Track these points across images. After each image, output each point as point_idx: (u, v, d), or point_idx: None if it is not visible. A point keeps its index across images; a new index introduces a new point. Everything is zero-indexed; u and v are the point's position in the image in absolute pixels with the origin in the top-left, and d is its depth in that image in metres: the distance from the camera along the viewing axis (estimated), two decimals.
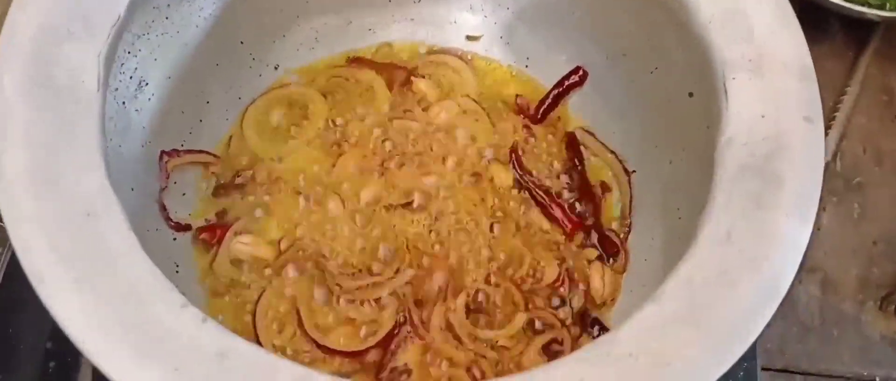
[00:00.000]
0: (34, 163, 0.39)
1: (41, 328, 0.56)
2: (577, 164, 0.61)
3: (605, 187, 0.61)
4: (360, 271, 0.56)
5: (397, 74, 0.64)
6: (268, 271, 0.55)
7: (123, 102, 0.53)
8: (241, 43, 0.61)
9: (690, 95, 0.55)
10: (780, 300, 0.39)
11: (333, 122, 0.61)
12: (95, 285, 0.37)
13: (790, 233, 0.40)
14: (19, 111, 0.40)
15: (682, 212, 0.55)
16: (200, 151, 0.59)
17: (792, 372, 0.63)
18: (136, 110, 0.54)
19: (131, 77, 0.54)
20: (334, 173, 0.59)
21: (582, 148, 0.61)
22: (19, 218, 0.37)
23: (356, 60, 0.64)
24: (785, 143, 0.43)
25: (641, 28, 0.56)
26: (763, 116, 0.44)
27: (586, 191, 0.60)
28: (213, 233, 0.56)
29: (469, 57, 0.65)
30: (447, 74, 0.64)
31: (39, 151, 0.39)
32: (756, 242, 0.40)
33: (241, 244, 0.56)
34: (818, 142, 0.43)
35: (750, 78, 0.45)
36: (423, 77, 0.64)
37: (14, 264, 0.57)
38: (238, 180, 0.58)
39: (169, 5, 0.55)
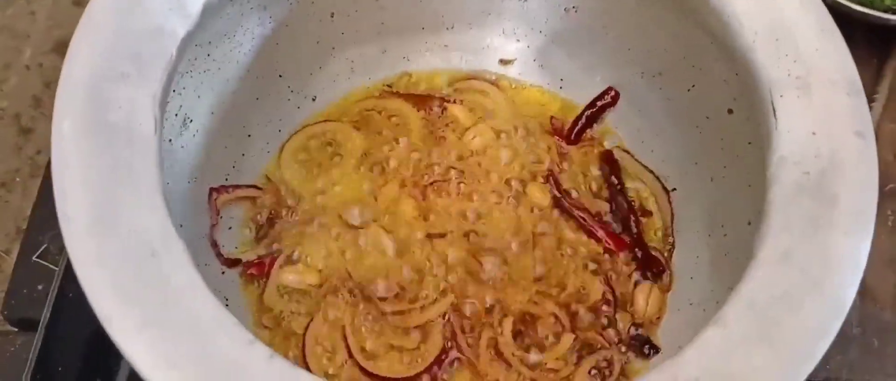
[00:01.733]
0: (96, 206, 0.39)
1: (84, 364, 0.57)
2: (617, 182, 0.61)
3: (645, 211, 0.61)
4: (405, 297, 0.56)
5: (430, 102, 0.64)
6: (313, 300, 0.56)
7: (170, 140, 0.54)
8: (280, 76, 0.62)
9: (730, 111, 0.55)
10: (843, 319, 0.39)
11: (369, 153, 0.62)
12: (162, 324, 0.37)
13: (849, 252, 0.40)
14: (78, 155, 0.41)
15: (728, 229, 0.55)
16: (249, 186, 0.59)
17: None
18: (182, 147, 0.55)
19: (176, 115, 0.54)
20: (376, 203, 0.59)
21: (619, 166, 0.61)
22: (86, 261, 0.38)
23: (388, 92, 0.65)
24: (838, 160, 0.43)
25: (679, 47, 0.57)
26: (814, 134, 0.44)
27: (627, 210, 0.60)
28: (261, 267, 0.56)
29: (499, 80, 0.66)
30: (477, 99, 0.65)
31: (100, 193, 0.40)
32: (816, 262, 0.40)
33: (289, 274, 0.56)
34: (871, 157, 0.43)
35: (798, 96, 0.45)
36: (457, 103, 0.64)
37: (59, 297, 0.57)
38: (280, 218, 0.59)
39: (210, 42, 0.55)
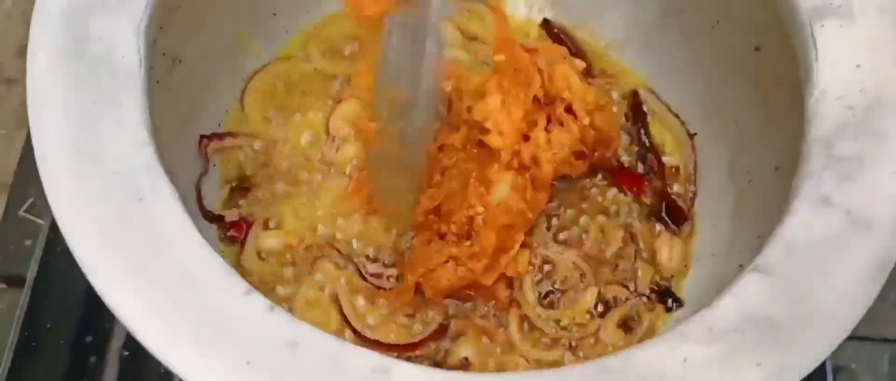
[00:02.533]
0: (76, 144, 0.36)
1: (77, 322, 0.54)
2: (640, 124, 0.57)
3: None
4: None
5: None
6: (295, 269, 0.51)
7: (158, 81, 0.49)
8: (274, 15, 0.58)
9: (757, 49, 0.52)
10: (893, 264, 0.35)
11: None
12: (151, 273, 0.34)
13: None
14: (56, 90, 0.37)
15: (753, 175, 0.52)
16: (240, 134, 0.55)
17: (849, 337, 0.60)
18: (170, 89, 0.51)
19: (164, 54, 0.50)
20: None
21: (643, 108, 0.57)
22: (65, 201, 0.34)
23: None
24: (885, 94, 0.39)
25: None
26: (858, 66, 0.40)
27: (650, 153, 0.56)
28: (241, 228, 0.52)
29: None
30: (473, 22, 0.60)
31: (81, 131, 0.37)
32: (862, 203, 0.37)
33: (268, 238, 0.52)
34: None
35: (841, 25, 0.41)
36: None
37: (47, 252, 0.54)
38: (258, 176, 0.55)
39: None
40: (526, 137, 0.49)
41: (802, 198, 0.38)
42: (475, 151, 0.49)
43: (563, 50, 0.53)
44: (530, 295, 0.50)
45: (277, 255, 0.52)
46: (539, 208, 0.51)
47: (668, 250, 0.52)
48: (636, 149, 0.57)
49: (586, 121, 0.50)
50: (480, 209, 0.47)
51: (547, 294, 0.51)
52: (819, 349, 0.33)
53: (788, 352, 0.33)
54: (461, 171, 0.49)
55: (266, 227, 0.53)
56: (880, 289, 0.35)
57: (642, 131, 0.57)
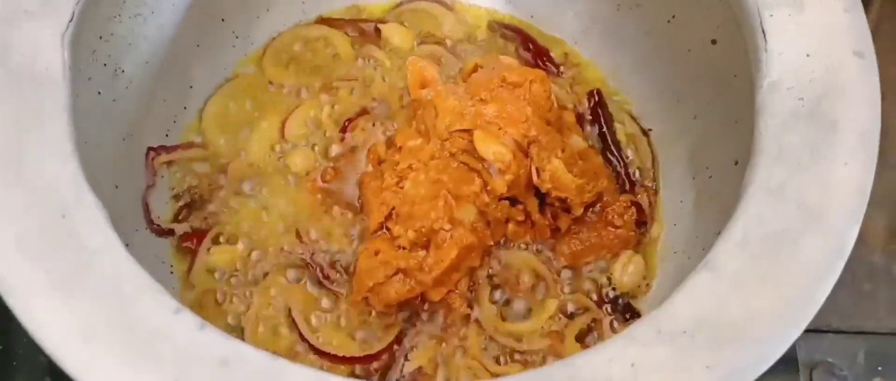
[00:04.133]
0: None
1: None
2: (604, 125, 0.55)
3: None
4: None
5: (365, 26, 0.59)
6: (246, 284, 0.50)
7: (99, 92, 0.48)
8: (223, 20, 0.56)
9: (714, 42, 0.51)
10: (847, 256, 0.34)
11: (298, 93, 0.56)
12: (74, 289, 0.32)
13: (852, 180, 0.36)
14: None
15: (713, 170, 0.51)
16: (189, 145, 0.54)
17: (823, 331, 0.59)
18: (114, 100, 0.50)
19: (105, 64, 0.49)
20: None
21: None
22: None
23: (324, 21, 0.59)
24: (836, 82, 0.39)
25: None
26: (809, 55, 0.39)
27: (616, 154, 0.55)
28: (194, 240, 0.51)
29: (455, 5, 0.60)
30: (424, 21, 0.59)
31: (2, 141, 0.35)
32: (815, 194, 0.36)
33: (217, 254, 0.50)
34: (872, 78, 0.39)
35: (790, 13, 0.40)
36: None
37: None
38: (207, 187, 0.53)
39: None
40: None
41: (753, 191, 0.36)
42: (454, 165, 0.48)
43: (541, 72, 0.52)
44: (488, 308, 0.49)
45: (227, 270, 0.50)
46: (500, 235, 0.50)
47: (620, 268, 0.51)
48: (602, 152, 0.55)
49: (579, 212, 0.50)
50: (447, 226, 0.46)
51: (506, 302, 0.49)
52: (772, 348, 0.32)
53: (740, 352, 0.32)
54: (431, 179, 0.48)
55: (216, 241, 0.51)
56: (834, 282, 0.34)
57: (606, 133, 0.55)
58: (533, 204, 0.50)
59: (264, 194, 0.53)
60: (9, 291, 0.31)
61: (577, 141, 0.51)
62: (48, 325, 0.31)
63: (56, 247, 0.33)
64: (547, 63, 0.58)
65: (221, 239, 0.51)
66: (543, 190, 0.49)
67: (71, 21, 0.39)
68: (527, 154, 0.48)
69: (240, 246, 0.51)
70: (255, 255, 0.51)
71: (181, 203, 0.52)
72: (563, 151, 0.49)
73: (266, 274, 0.50)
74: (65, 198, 0.34)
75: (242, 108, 0.56)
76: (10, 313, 0.46)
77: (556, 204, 0.50)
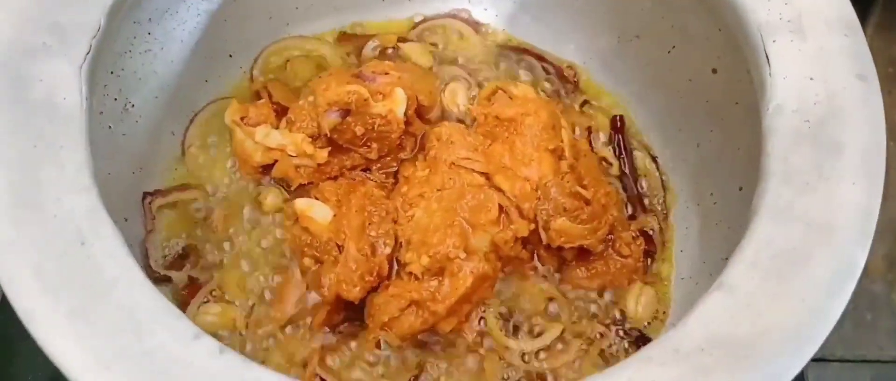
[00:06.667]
0: (15, 188, 0.35)
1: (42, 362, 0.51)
2: (624, 153, 0.56)
3: None
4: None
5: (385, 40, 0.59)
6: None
7: (110, 126, 0.49)
8: (230, 56, 0.57)
9: (714, 71, 0.52)
10: (859, 274, 0.35)
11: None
12: (93, 317, 0.32)
13: (859, 200, 0.37)
14: None
15: (717, 196, 0.52)
16: (184, 187, 0.53)
17: (828, 360, 0.59)
18: (124, 135, 0.50)
19: (116, 99, 0.50)
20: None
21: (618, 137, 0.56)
22: (2, 247, 0.33)
23: (344, 36, 0.59)
24: (839, 105, 0.39)
25: (658, 5, 0.53)
26: (812, 79, 0.40)
27: (634, 186, 0.55)
28: (192, 291, 0.50)
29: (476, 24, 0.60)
30: (451, 39, 0.60)
31: (20, 175, 0.35)
32: (823, 215, 0.36)
33: (208, 315, 0.49)
34: (875, 100, 0.40)
35: (792, 39, 0.41)
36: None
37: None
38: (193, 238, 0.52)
39: (150, 20, 0.51)
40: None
41: (763, 213, 0.37)
42: (469, 194, 0.48)
43: (548, 103, 0.53)
44: (500, 337, 0.49)
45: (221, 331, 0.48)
46: (509, 266, 0.50)
47: (634, 300, 0.50)
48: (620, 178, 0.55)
49: (599, 249, 0.50)
50: (462, 254, 0.46)
51: (515, 330, 0.49)
52: (789, 364, 0.33)
53: (755, 370, 0.32)
54: (444, 208, 0.48)
55: (210, 298, 0.49)
56: (847, 300, 0.34)
57: (625, 162, 0.56)
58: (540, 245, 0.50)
59: (245, 247, 0.51)
60: (30, 322, 0.31)
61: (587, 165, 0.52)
62: (69, 353, 0.31)
63: (75, 275, 0.33)
64: (560, 80, 0.59)
65: (214, 295, 0.49)
66: (555, 246, 0.49)
67: (88, 54, 0.40)
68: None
69: (225, 311, 0.49)
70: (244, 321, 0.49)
71: (174, 253, 0.50)
72: (571, 191, 0.49)
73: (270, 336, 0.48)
74: (83, 227, 0.34)
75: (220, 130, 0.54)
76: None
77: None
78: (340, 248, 0.46)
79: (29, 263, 0.33)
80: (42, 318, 0.32)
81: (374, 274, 0.46)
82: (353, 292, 0.45)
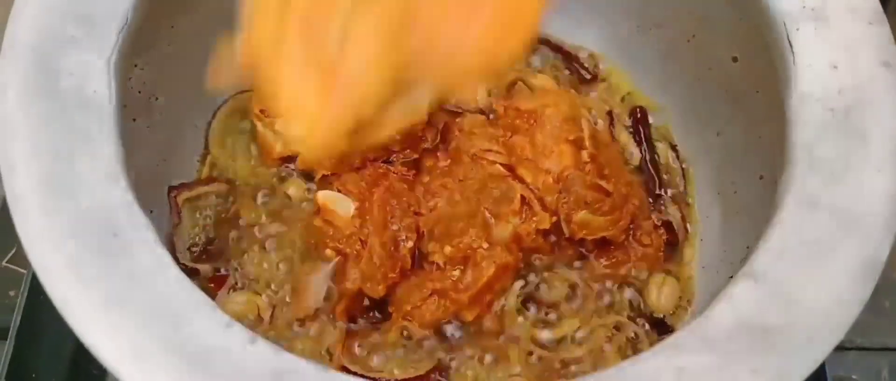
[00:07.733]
0: (48, 177, 0.35)
1: (64, 373, 0.53)
2: (646, 144, 0.56)
3: None
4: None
5: None
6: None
7: (134, 119, 0.49)
8: None
9: (735, 59, 0.52)
10: (883, 262, 0.35)
11: None
12: (127, 306, 0.33)
13: (885, 188, 0.37)
14: (27, 126, 0.37)
15: (738, 185, 0.52)
16: (210, 180, 0.53)
17: (846, 348, 0.59)
18: (148, 127, 0.51)
19: (140, 92, 0.50)
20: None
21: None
22: (37, 239, 0.33)
23: None
24: (864, 94, 0.39)
25: None
26: (836, 67, 0.40)
27: (654, 175, 0.55)
28: (219, 282, 0.50)
29: None
30: None
31: (53, 167, 0.36)
32: (848, 203, 0.36)
33: (234, 303, 0.49)
34: None
35: (816, 27, 0.41)
36: None
37: (31, 302, 0.52)
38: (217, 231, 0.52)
39: (175, 13, 0.51)
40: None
41: (789, 201, 0.37)
42: (492, 184, 0.48)
43: (570, 95, 0.53)
44: (522, 325, 0.49)
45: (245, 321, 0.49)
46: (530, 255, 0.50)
47: (656, 290, 0.51)
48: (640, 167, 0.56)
49: (621, 239, 0.50)
50: (485, 244, 0.47)
51: (536, 318, 0.50)
52: (815, 353, 0.33)
53: (784, 357, 0.33)
54: (467, 198, 0.48)
55: (234, 288, 0.50)
56: (873, 288, 0.34)
57: (647, 153, 0.56)
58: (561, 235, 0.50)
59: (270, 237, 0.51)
60: (66, 311, 0.32)
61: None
62: (105, 344, 0.32)
63: (109, 265, 0.34)
64: (579, 69, 0.59)
65: (238, 286, 0.50)
66: (577, 238, 0.49)
67: (115, 46, 0.40)
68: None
69: (249, 300, 0.49)
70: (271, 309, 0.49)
71: (200, 246, 0.51)
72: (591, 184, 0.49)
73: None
74: (116, 219, 0.35)
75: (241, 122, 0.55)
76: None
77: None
78: (364, 243, 0.47)
79: (64, 253, 0.34)
80: (78, 307, 0.32)
81: (397, 270, 0.47)
82: (377, 290, 0.46)
